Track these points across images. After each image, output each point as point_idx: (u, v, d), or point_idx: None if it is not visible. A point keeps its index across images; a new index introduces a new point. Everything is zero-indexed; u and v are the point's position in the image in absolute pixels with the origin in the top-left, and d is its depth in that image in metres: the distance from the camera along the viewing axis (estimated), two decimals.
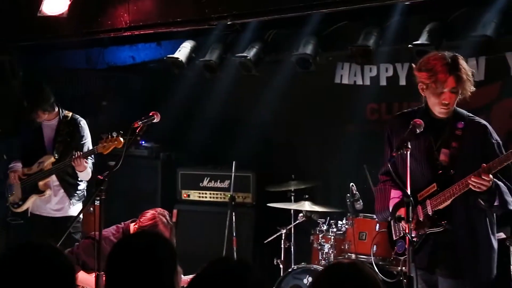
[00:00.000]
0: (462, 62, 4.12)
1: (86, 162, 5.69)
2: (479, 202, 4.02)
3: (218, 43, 6.62)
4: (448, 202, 4.08)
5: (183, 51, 6.70)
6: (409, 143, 4.03)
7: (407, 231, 4.05)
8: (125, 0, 5.81)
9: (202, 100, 7.37)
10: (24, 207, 5.94)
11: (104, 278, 2.66)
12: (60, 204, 5.95)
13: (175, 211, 6.90)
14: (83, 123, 6.00)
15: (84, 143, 5.88)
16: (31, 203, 5.94)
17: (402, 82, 6.38)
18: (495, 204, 3.99)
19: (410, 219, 4.00)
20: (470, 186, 3.90)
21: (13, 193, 5.99)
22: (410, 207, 4.05)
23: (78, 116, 6.02)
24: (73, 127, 5.94)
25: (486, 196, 3.95)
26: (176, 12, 5.65)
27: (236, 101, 7.28)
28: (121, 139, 5.34)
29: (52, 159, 5.83)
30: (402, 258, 4.32)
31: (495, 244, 4.20)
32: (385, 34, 5.90)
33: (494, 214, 4.22)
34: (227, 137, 7.19)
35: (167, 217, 4.96)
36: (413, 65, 4.32)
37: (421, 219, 4.18)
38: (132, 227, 5.00)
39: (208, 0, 5.48)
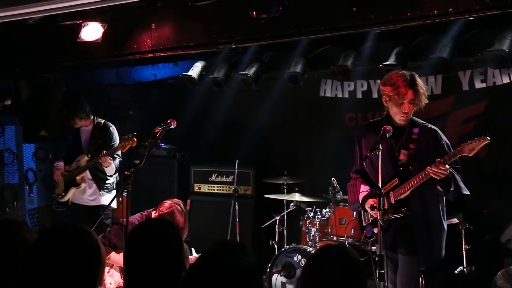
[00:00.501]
0: (418, 79, 4.19)
1: (111, 159, 5.69)
2: (438, 189, 4.06)
3: (224, 63, 6.62)
4: (408, 192, 4.12)
5: (195, 70, 6.70)
6: (380, 145, 4.06)
7: (379, 217, 4.08)
8: (148, 28, 5.80)
9: (211, 110, 7.36)
10: (66, 198, 5.97)
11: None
12: (94, 195, 5.96)
13: (188, 201, 6.89)
14: (113, 128, 6.00)
15: (113, 144, 5.88)
16: (71, 194, 5.95)
17: (375, 95, 6.36)
18: (451, 189, 4.01)
19: (381, 208, 4.04)
20: (431, 174, 3.92)
21: (58, 187, 6.01)
22: (381, 198, 4.09)
23: (109, 123, 6.03)
24: (105, 132, 5.94)
25: (444, 183, 3.98)
26: (190, 38, 5.64)
27: (238, 110, 7.27)
28: (135, 139, 5.35)
29: (86, 158, 5.85)
30: (370, 240, 4.37)
31: (445, 226, 4.24)
32: (361, 56, 5.90)
33: (445, 202, 4.23)
34: (232, 139, 7.18)
35: (182, 206, 4.95)
36: (379, 81, 4.35)
37: (385, 207, 4.19)
38: (153, 214, 4.99)
39: (215, 27, 5.47)
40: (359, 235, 5.55)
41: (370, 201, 4.20)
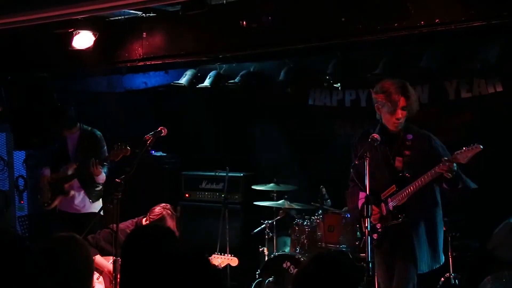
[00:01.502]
0: (410, 87, 4.24)
1: (101, 168, 5.67)
2: (444, 187, 4.07)
3: (214, 71, 6.65)
4: (405, 199, 4.13)
5: (185, 78, 6.71)
6: (368, 153, 4.08)
7: (366, 224, 4.09)
8: (139, 37, 5.81)
9: (202, 117, 7.37)
10: (52, 205, 5.89)
11: (120, 262, 2.65)
12: (82, 202, 5.91)
13: (179, 208, 6.87)
14: (100, 135, 5.94)
15: (100, 152, 5.85)
16: (58, 202, 5.90)
17: (363, 104, 6.41)
18: (459, 186, 4.03)
19: (369, 214, 4.05)
20: (443, 172, 3.91)
21: (43, 194, 5.95)
22: (369, 204, 4.10)
23: (96, 130, 5.97)
24: (92, 139, 5.89)
25: (453, 180, 3.98)
26: (180, 47, 5.65)
27: (228, 117, 7.29)
28: (129, 148, 5.31)
29: (74, 166, 5.79)
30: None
31: (442, 233, 4.28)
32: (349, 65, 5.94)
33: (441, 210, 4.24)
34: (222, 146, 7.20)
35: (172, 210, 4.95)
36: (371, 90, 4.38)
37: (384, 214, 4.23)
38: (144, 221, 4.98)
39: (206, 37, 5.49)
40: (347, 242, 5.58)
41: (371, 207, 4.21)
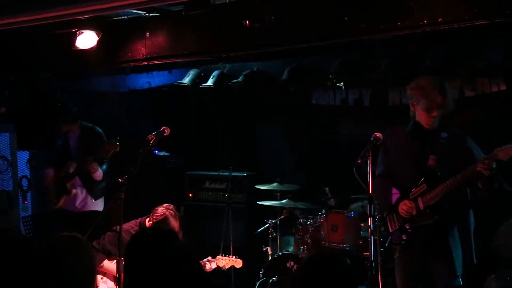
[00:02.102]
0: (447, 85, 4.18)
1: (97, 165, 5.65)
2: (479, 187, 3.98)
3: (217, 71, 6.65)
4: (438, 198, 4.07)
5: (189, 78, 6.71)
6: (370, 152, 4.07)
7: (369, 223, 4.08)
8: (142, 37, 5.83)
9: (205, 117, 7.38)
10: (58, 205, 5.92)
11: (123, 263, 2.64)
12: (84, 200, 5.92)
13: (182, 208, 6.86)
14: (100, 132, 5.95)
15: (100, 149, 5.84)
16: (63, 201, 5.92)
17: (366, 103, 6.41)
18: (495, 186, 3.95)
19: (373, 213, 4.04)
20: (480, 171, 3.86)
21: (49, 193, 5.97)
22: (372, 204, 4.10)
23: (96, 127, 5.98)
24: (92, 136, 5.89)
25: (490, 179, 3.91)
26: (183, 47, 5.66)
27: (232, 117, 7.30)
28: (118, 144, 5.28)
29: (75, 164, 5.80)
30: (397, 247, 4.32)
31: (472, 235, 4.21)
32: (353, 64, 5.93)
33: (472, 212, 4.18)
34: (226, 146, 7.20)
35: (175, 210, 4.95)
36: (407, 86, 4.33)
37: (414, 213, 4.17)
38: (147, 222, 4.98)
39: (209, 36, 5.50)
40: (351, 241, 5.59)
41: (404, 202, 4.19)
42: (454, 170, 3.97)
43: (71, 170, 5.80)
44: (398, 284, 4.37)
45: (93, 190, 5.89)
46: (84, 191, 5.90)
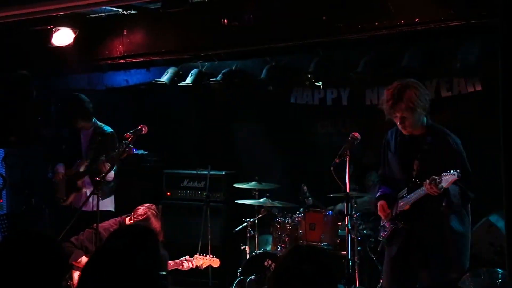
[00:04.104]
0: (410, 91, 3.98)
1: (109, 165, 5.58)
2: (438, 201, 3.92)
3: (195, 69, 6.63)
4: (408, 207, 4.04)
5: (167, 76, 6.68)
6: (348, 151, 4.09)
7: (346, 223, 4.11)
8: (120, 34, 5.79)
9: (183, 115, 7.36)
10: (68, 202, 5.79)
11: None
12: (93, 199, 5.83)
13: (160, 206, 6.83)
14: (111, 132, 5.85)
15: (112, 149, 5.76)
16: (72, 198, 5.81)
17: (344, 102, 6.44)
18: (443, 204, 3.89)
19: (349, 212, 4.07)
20: (427, 191, 3.81)
21: (58, 190, 5.87)
22: (349, 203, 4.13)
23: (109, 128, 5.88)
24: (104, 136, 5.79)
25: (437, 198, 3.87)
26: (161, 44, 5.64)
27: (210, 115, 7.29)
28: (131, 146, 5.23)
29: (86, 163, 5.70)
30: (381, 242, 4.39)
31: (466, 235, 4.10)
32: (331, 64, 5.96)
33: (469, 209, 4.11)
34: (204, 144, 7.19)
35: (156, 210, 4.93)
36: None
37: (392, 215, 4.19)
38: (128, 221, 4.96)
39: (187, 34, 5.48)
40: (329, 240, 5.62)
41: (379, 203, 4.21)
42: (439, 173, 3.87)
43: (82, 168, 5.69)
44: (383, 278, 4.38)
45: (101, 189, 5.80)
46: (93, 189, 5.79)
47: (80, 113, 5.83)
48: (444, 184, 3.71)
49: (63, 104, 6.13)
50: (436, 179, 3.74)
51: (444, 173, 3.74)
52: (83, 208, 5.71)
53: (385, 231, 4.27)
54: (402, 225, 4.12)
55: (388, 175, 4.30)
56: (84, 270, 2.41)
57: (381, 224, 4.39)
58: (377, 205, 4.29)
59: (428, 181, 3.79)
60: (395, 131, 4.27)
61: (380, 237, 4.35)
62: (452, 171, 3.70)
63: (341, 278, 4.42)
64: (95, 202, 5.76)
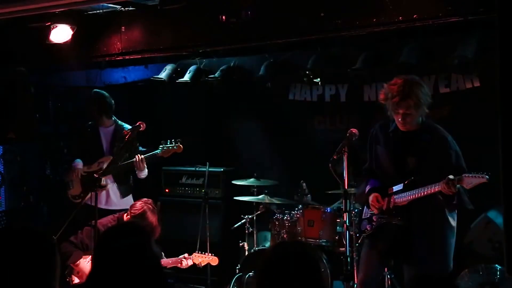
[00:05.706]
0: (417, 88, 3.99)
1: (145, 164, 5.57)
2: (439, 198, 3.94)
3: (194, 66, 6.62)
4: (406, 202, 4.05)
5: (165, 73, 6.67)
6: (346, 148, 4.09)
7: (345, 219, 4.10)
8: (118, 31, 5.78)
9: (182, 112, 7.35)
10: (84, 200, 5.68)
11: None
12: (114, 197, 5.82)
13: (159, 203, 6.84)
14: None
15: (137, 147, 5.74)
16: (90, 196, 5.73)
17: (343, 99, 6.44)
18: (454, 202, 3.91)
19: (348, 209, 4.07)
20: (442, 190, 3.80)
21: (73, 187, 5.82)
22: (347, 199, 4.13)
23: (128, 125, 5.84)
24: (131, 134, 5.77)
25: (448, 196, 3.88)
26: (159, 41, 5.63)
27: (209, 112, 7.28)
28: (181, 146, 5.24)
29: (109, 160, 5.60)
30: (363, 235, 4.37)
31: (451, 237, 4.12)
32: (329, 60, 5.96)
33: (447, 215, 4.11)
34: (202, 141, 7.19)
35: (153, 205, 4.94)
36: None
37: (384, 209, 4.17)
38: (125, 217, 4.97)
39: (185, 31, 5.47)
40: (327, 237, 5.62)
41: (373, 195, 4.19)
42: (433, 175, 3.91)
43: (106, 165, 5.58)
44: (361, 269, 4.33)
45: (123, 186, 5.77)
46: (115, 187, 5.78)
47: (105, 109, 5.82)
48: (466, 185, 3.73)
49: (87, 101, 6.09)
50: (455, 179, 3.75)
51: (466, 175, 3.75)
52: (105, 206, 5.70)
53: (372, 224, 4.27)
54: (397, 221, 4.11)
55: (375, 169, 4.30)
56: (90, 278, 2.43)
57: (363, 217, 4.38)
58: (368, 199, 4.29)
59: (445, 180, 3.77)
60: (385, 125, 4.26)
61: (365, 229, 4.33)
62: (479, 173, 3.70)
63: (339, 275, 4.43)
64: (117, 200, 5.76)
